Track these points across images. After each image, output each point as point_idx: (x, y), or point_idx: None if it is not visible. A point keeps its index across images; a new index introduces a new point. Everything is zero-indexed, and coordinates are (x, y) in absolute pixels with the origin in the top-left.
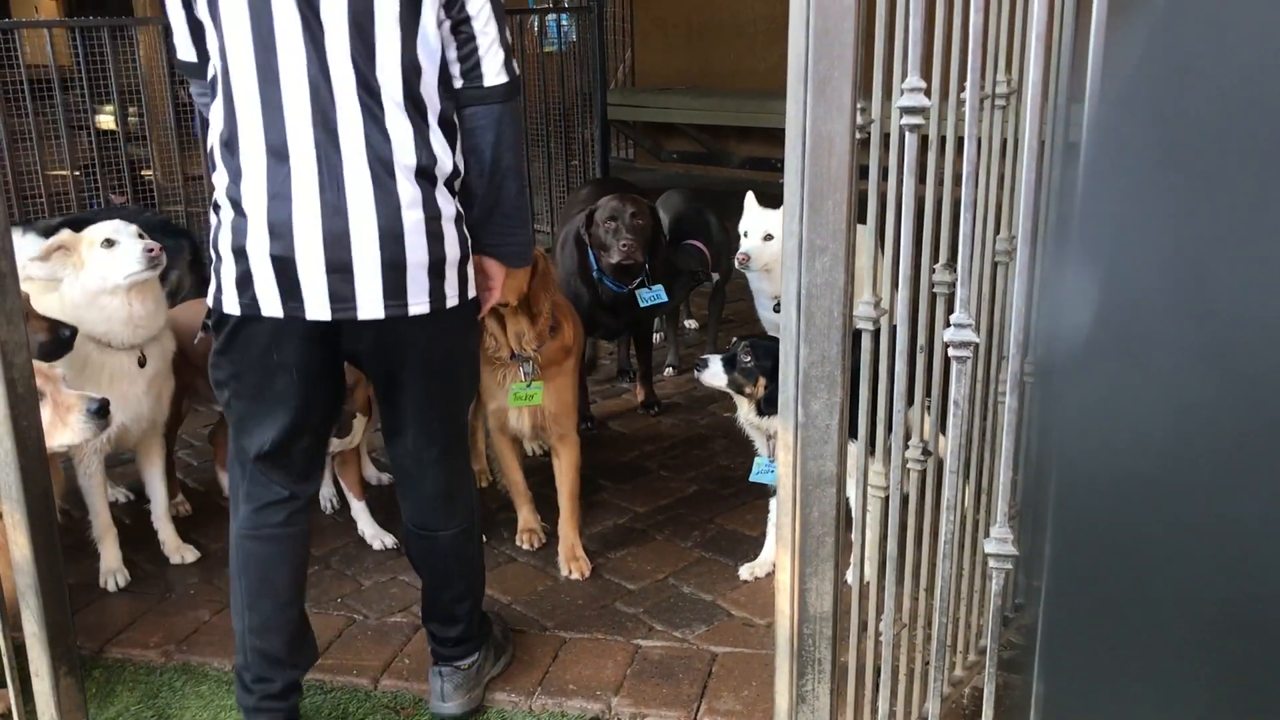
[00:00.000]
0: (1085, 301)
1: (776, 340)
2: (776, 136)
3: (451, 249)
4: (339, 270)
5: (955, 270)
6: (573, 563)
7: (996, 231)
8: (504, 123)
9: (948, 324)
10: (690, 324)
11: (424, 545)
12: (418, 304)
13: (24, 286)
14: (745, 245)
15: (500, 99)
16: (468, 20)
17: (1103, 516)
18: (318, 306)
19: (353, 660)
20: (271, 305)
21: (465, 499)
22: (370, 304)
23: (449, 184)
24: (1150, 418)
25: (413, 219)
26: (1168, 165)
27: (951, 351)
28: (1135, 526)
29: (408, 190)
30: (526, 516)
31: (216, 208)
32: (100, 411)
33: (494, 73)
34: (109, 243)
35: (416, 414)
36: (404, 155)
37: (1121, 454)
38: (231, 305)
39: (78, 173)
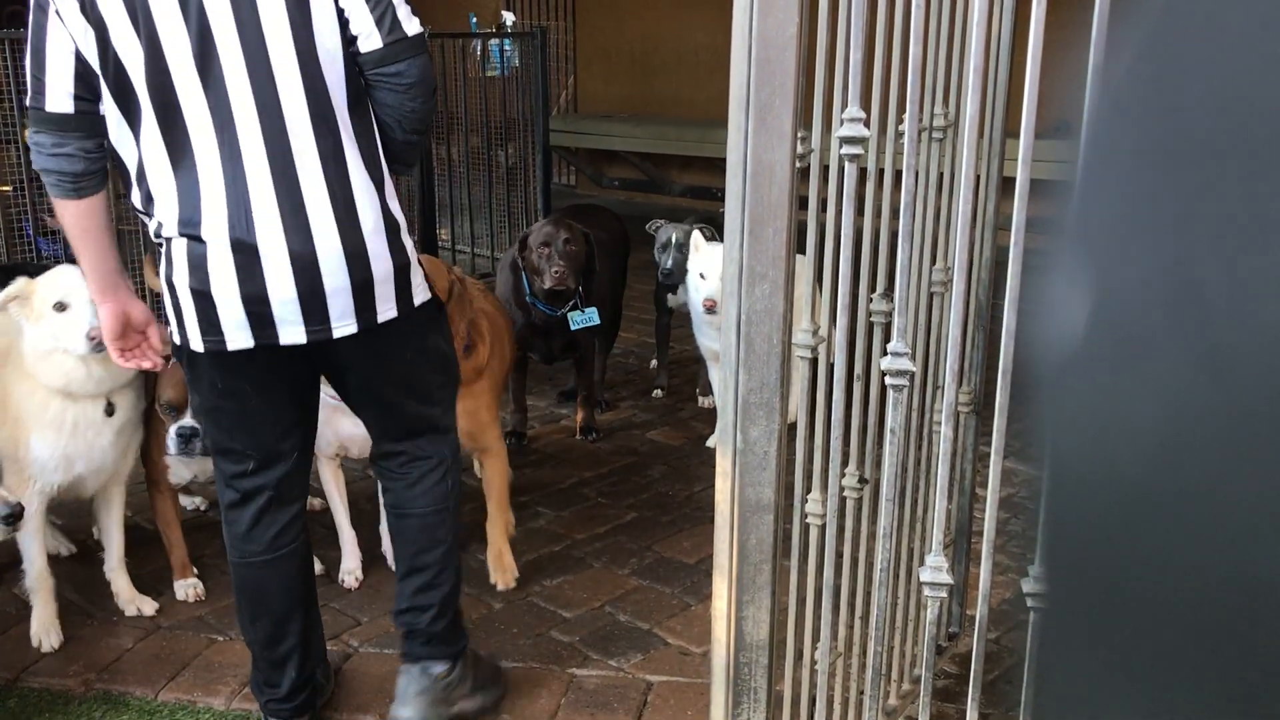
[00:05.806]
0: (1078, 303)
1: None
2: (717, 166)
3: (379, 264)
4: (258, 300)
5: (892, 300)
6: (500, 573)
7: (933, 262)
8: (407, 78)
9: (885, 352)
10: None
11: (395, 522)
12: (342, 326)
13: None
14: (709, 290)
15: (403, 55)
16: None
17: (1094, 519)
18: (238, 336)
19: None
20: (196, 341)
21: (444, 480)
22: (290, 330)
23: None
24: (1143, 420)
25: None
26: (1164, 165)
27: (888, 380)
28: (1127, 529)
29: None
30: None
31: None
32: (9, 519)
33: (386, 31)
34: (60, 306)
35: (376, 420)
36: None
37: (1113, 456)
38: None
39: (9, 188)
